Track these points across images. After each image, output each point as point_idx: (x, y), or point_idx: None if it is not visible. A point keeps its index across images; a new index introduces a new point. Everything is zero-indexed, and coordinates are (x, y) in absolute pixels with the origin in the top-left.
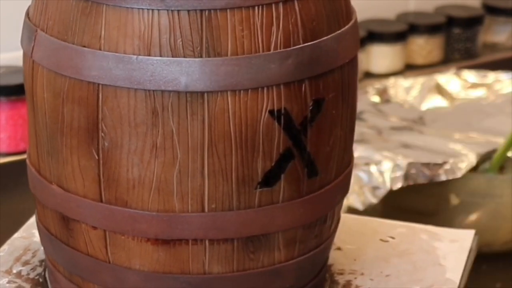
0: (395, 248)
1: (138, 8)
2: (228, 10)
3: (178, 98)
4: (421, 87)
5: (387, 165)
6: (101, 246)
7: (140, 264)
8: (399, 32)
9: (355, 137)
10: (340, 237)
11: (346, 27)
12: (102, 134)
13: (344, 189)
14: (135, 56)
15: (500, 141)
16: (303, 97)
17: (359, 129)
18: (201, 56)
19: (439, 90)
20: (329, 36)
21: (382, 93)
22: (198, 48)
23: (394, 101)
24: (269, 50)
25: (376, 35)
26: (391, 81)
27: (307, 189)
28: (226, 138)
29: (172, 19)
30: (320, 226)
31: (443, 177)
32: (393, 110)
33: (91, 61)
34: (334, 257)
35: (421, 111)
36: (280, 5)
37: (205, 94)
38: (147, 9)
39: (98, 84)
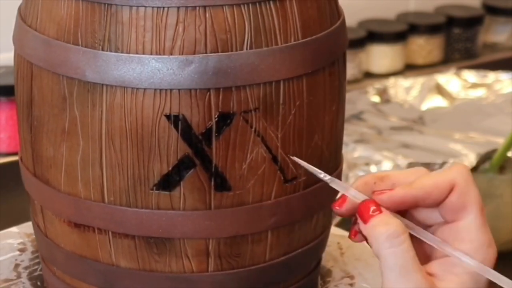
0: None
1: None
2: (133, 8)
3: (82, 87)
4: (421, 87)
5: (387, 165)
6: (41, 221)
7: (63, 243)
8: (399, 32)
9: (356, 137)
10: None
11: (281, 45)
12: (33, 112)
13: (280, 215)
14: (54, 40)
15: (500, 141)
16: (205, 107)
17: (359, 129)
18: (103, 49)
19: (439, 90)
20: (248, 50)
21: (382, 93)
22: (102, 41)
23: (394, 101)
24: (170, 53)
25: (376, 35)
26: (391, 81)
27: (217, 203)
28: (122, 133)
29: (81, 9)
30: (244, 246)
31: None
32: (393, 110)
33: (29, 40)
34: (336, 260)
35: (421, 111)
36: (189, 10)
37: (104, 87)
38: None
39: (31, 63)
